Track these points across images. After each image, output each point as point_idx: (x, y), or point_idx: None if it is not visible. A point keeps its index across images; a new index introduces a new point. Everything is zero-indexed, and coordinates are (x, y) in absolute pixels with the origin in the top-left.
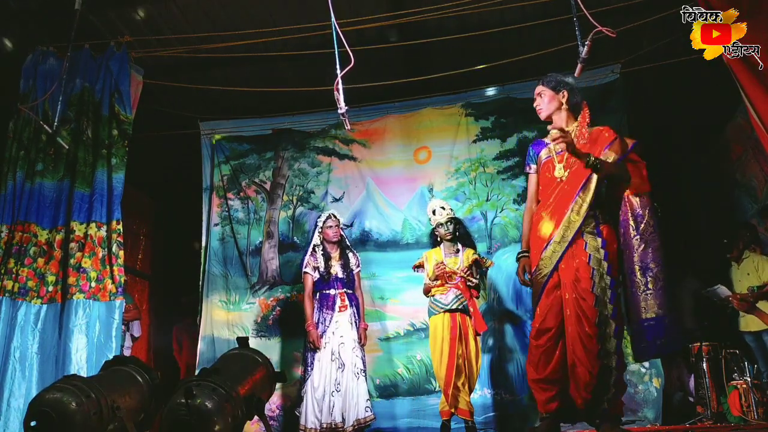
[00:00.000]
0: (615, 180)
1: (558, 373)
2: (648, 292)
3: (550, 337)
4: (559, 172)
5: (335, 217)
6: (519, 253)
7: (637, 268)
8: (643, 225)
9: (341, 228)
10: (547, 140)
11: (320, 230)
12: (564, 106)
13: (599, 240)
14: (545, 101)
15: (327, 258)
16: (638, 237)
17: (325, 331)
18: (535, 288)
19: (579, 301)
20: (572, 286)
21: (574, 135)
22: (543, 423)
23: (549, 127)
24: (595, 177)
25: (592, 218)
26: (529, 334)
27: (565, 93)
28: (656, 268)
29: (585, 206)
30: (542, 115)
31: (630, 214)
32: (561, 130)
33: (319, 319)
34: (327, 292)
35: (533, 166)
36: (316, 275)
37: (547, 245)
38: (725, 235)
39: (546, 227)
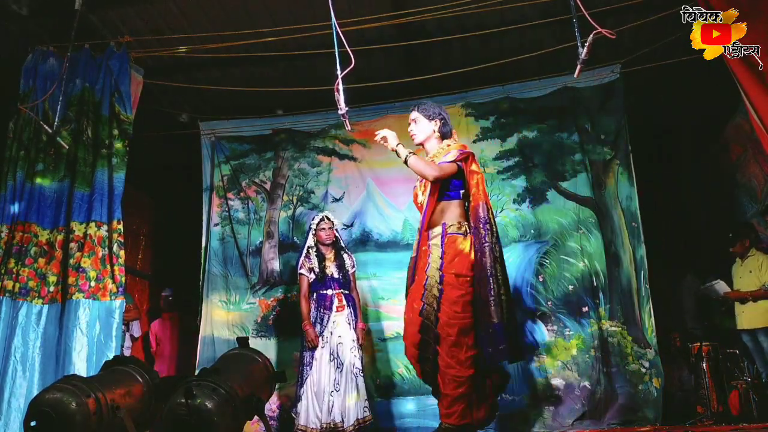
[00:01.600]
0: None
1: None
2: (492, 298)
3: (411, 350)
4: (420, 198)
5: (329, 219)
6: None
7: (488, 274)
8: (483, 233)
9: (339, 229)
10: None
11: (314, 232)
12: (436, 134)
13: (440, 250)
14: (419, 127)
15: (321, 259)
16: (486, 244)
17: (323, 331)
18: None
19: (408, 309)
20: (411, 296)
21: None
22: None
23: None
24: (428, 193)
25: (439, 230)
26: None
27: (438, 122)
28: (501, 276)
29: (424, 220)
30: (415, 140)
31: (480, 223)
32: (384, 138)
33: (316, 318)
34: (324, 292)
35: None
36: (312, 276)
37: (410, 261)
38: (725, 236)
39: (414, 245)
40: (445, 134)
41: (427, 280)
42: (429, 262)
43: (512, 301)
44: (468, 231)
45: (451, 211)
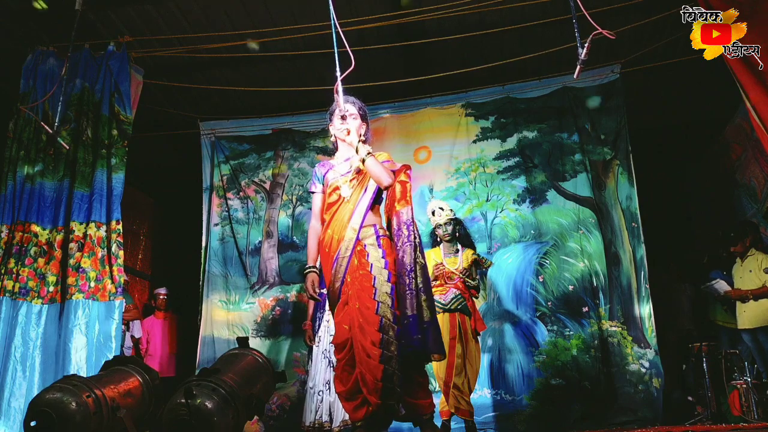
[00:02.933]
0: (379, 176)
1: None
2: (408, 292)
3: (349, 349)
4: (344, 192)
5: None
6: (306, 269)
7: (405, 271)
8: (407, 233)
9: None
10: (333, 162)
11: None
12: (362, 137)
13: (380, 251)
14: (355, 126)
15: None
16: (408, 243)
17: (317, 331)
18: (332, 300)
19: (363, 310)
20: (356, 297)
21: (355, 160)
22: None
23: (336, 155)
24: (369, 193)
25: (372, 231)
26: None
27: (365, 125)
28: (411, 272)
29: (360, 220)
30: (347, 135)
31: (400, 224)
32: (347, 131)
33: (314, 318)
34: (322, 291)
35: (319, 186)
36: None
37: (335, 259)
38: (725, 236)
39: (334, 244)
40: (366, 140)
41: (375, 279)
42: (371, 262)
43: (431, 298)
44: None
45: (379, 214)
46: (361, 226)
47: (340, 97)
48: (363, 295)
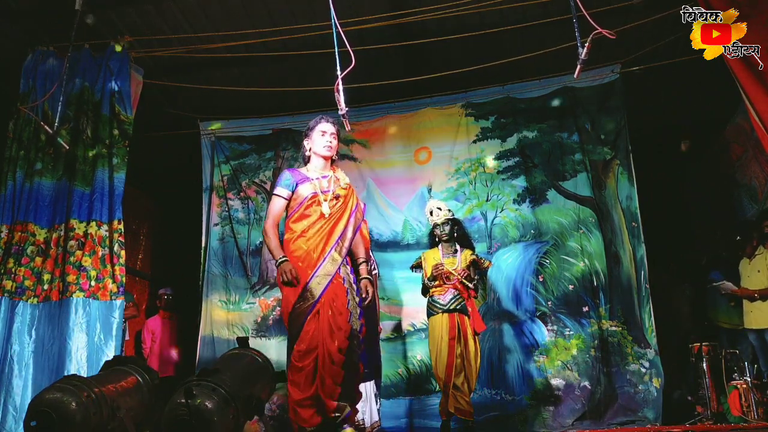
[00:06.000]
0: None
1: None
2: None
3: (314, 357)
4: (325, 209)
5: None
6: (280, 259)
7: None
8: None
9: None
10: (306, 173)
11: None
12: (334, 157)
13: (348, 267)
14: (335, 144)
15: None
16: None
17: None
18: (302, 311)
19: (336, 316)
20: (329, 306)
21: (332, 180)
22: None
23: (307, 166)
24: (352, 225)
25: (344, 256)
26: (292, 357)
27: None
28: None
29: (344, 249)
30: (330, 153)
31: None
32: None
33: None
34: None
35: (286, 192)
36: None
37: (313, 275)
38: (725, 236)
39: (310, 258)
40: (335, 160)
41: (348, 291)
42: (342, 276)
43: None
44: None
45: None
46: (345, 252)
47: (340, 96)
48: (337, 303)
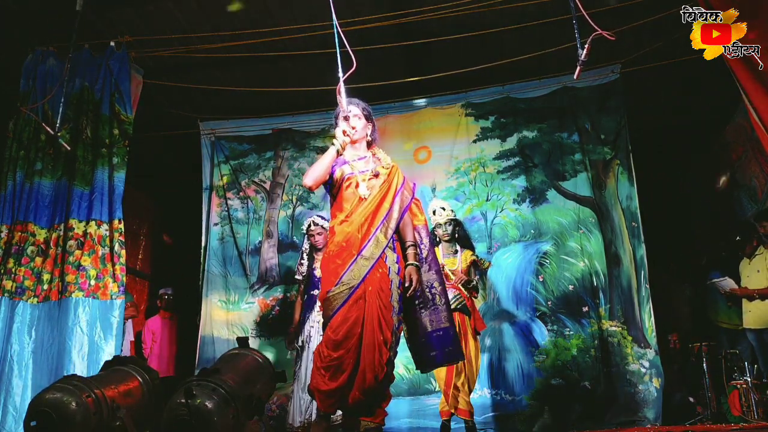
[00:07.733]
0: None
1: (347, 381)
2: (433, 307)
3: (352, 347)
4: (362, 190)
5: (317, 224)
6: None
7: (424, 287)
8: (425, 251)
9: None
10: (346, 158)
11: (307, 237)
12: (368, 138)
13: (395, 255)
14: (360, 125)
15: (312, 260)
16: (422, 260)
17: (304, 332)
18: (338, 298)
19: (382, 309)
20: (377, 296)
21: (370, 161)
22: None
23: (339, 148)
24: (398, 205)
25: (390, 238)
26: (320, 346)
27: (371, 126)
28: (439, 286)
29: (390, 230)
30: (355, 137)
31: (417, 241)
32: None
33: (305, 320)
34: (313, 293)
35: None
36: (299, 278)
37: (356, 259)
38: (725, 237)
39: (355, 239)
40: (374, 140)
41: (392, 282)
42: (388, 265)
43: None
44: None
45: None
46: (391, 235)
47: (342, 97)
48: (383, 296)
